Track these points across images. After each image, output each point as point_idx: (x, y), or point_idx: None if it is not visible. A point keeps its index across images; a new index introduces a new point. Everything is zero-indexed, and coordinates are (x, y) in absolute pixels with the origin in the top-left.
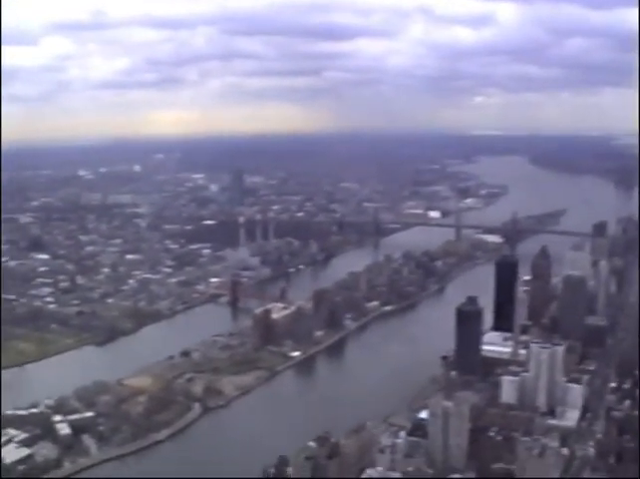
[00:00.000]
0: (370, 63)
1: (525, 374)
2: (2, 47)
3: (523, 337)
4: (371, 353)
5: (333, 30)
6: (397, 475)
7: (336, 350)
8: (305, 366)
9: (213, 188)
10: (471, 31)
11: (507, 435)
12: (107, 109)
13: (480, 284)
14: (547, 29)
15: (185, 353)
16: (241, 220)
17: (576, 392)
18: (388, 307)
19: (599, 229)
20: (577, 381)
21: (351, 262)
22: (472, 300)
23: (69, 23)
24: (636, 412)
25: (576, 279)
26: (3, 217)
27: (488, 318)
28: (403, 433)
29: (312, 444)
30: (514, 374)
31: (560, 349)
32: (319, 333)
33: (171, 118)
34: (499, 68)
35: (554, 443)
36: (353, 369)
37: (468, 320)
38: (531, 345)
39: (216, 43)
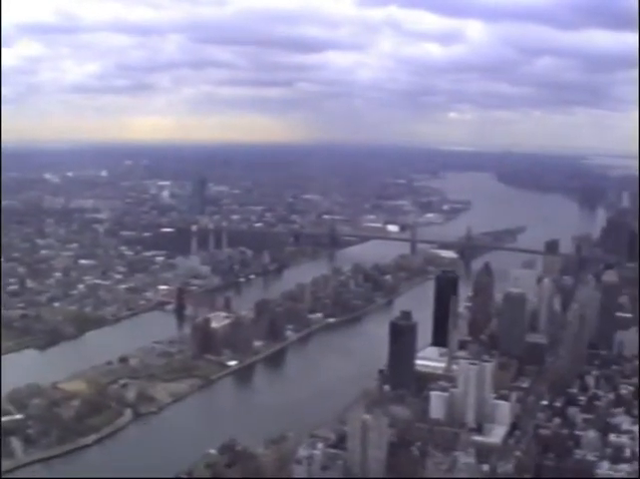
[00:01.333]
0: (340, 76)
1: (454, 390)
2: None
3: (461, 353)
4: (309, 365)
5: (303, 42)
6: None
7: (274, 361)
8: (241, 376)
9: (165, 195)
10: (440, 47)
11: (426, 450)
12: (78, 113)
13: (429, 299)
14: (516, 48)
15: (123, 359)
16: (194, 228)
17: (504, 409)
18: (331, 320)
19: (551, 246)
20: (506, 398)
21: (303, 274)
22: (406, 315)
23: (40, 26)
24: (564, 431)
25: (516, 296)
26: None
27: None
28: (321, 445)
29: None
30: (444, 390)
31: (489, 366)
32: (258, 343)
33: (143, 124)
34: (471, 85)
35: (469, 459)
36: (289, 380)
37: (401, 335)
38: (460, 361)
39: (187, 51)
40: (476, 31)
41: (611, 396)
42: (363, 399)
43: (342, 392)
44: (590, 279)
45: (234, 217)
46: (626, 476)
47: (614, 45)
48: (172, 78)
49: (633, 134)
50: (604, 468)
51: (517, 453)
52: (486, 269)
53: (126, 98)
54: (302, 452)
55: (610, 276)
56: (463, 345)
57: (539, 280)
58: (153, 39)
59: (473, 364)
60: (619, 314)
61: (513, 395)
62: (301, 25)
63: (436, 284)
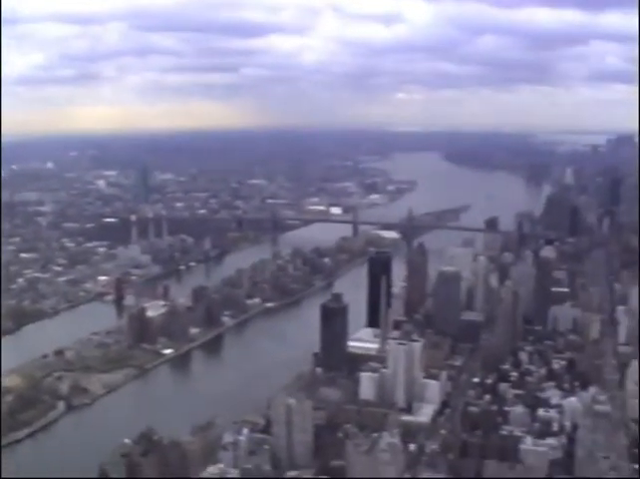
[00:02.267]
0: (285, 60)
1: (384, 371)
2: None
3: (396, 333)
4: (245, 350)
5: (245, 27)
6: (236, 473)
7: (210, 347)
8: (176, 364)
9: (102, 184)
10: (382, 28)
11: (353, 432)
12: (23, 104)
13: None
14: (458, 27)
15: (59, 352)
16: (134, 217)
17: (434, 388)
18: (269, 304)
19: (491, 224)
20: (436, 377)
21: (244, 259)
22: (336, 297)
23: None
24: (494, 407)
25: (450, 275)
26: None
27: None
28: (246, 430)
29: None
30: (374, 371)
31: (418, 346)
32: (195, 331)
33: (90, 114)
34: (417, 65)
35: (393, 439)
36: (224, 366)
37: (332, 317)
38: (390, 342)
39: (129, 39)
40: (417, 11)
41: (543, 371)
42: (296, 383)
43: (277, 377)
44: (528, 256)
45: (178, 204)
46: (550, 451)
47: (555, 23)
48: (117, 67)
49: (578, 109)
50: (528, 443)
51: (443, 431)
52: (420, 249)
53: (71, 88)
54: (227, 438)
55: (548, 252)
56: (397, 325)
57: (475, 258)
58: (94, 28)
59: (401, 344)
60: (556, 290)
61: (443, 374)
62: (243, 10)
63: (369, 266)
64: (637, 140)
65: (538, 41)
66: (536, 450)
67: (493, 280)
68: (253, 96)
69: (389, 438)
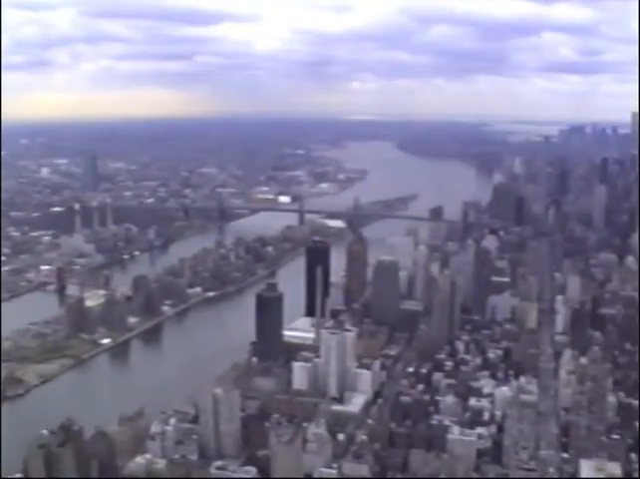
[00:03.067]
0: (239, 47)
1: (317, 360)
2: None
3: (333, 323)
4: (184, 340)
5: (198, 14)
6: (163, 463)
7: (149, 337)
8: (114, 353)
9: (50, 172)
10: (335, 17)
11: (277, 422)
12: None
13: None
14: (411, 16)
15: None
16: (77, 206)
17: (366, 378)
18: (211, 293)
19: (435, 213)
20: (368, 367)
21: (189, 248)
22: (271, 286)
23: None
24: (426, 397)
25: (388, 264)
26: None
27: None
28: (173, 420)
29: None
30: (308, 360)
31: (350, 335)
32: (134, 320)
33: (42, 101)
34: (370, 54)
35: (320, 429)
36: (161, 356)
37: (268, 307)
38: (322, 332)
39: (80, 25)
40: (370, 0)
41: (478, 361)
42: (231, 372)
43: (214, 366)
44: (470, 245)
45: (127, 193)
46: (477, 440)
47: (508, 13)
48: (70, 54)
49: (532, 100)
50: (456, 433)
51: (370, 421)
52: (359, 238)
53: (23, 75)
54: (155, 428)
55: (490, 242)
56: (335, 315)
57: (416, 247)
58: (44, 14)
59: (334, 334)
60: (496, 279)
61: (376, 363)
62: None
63: (306, 256)
64: (588, 130)
65: (491, 31)
66: (463, 440)
67: (434, 270)
68: (208, 84)
69: (315, 428)
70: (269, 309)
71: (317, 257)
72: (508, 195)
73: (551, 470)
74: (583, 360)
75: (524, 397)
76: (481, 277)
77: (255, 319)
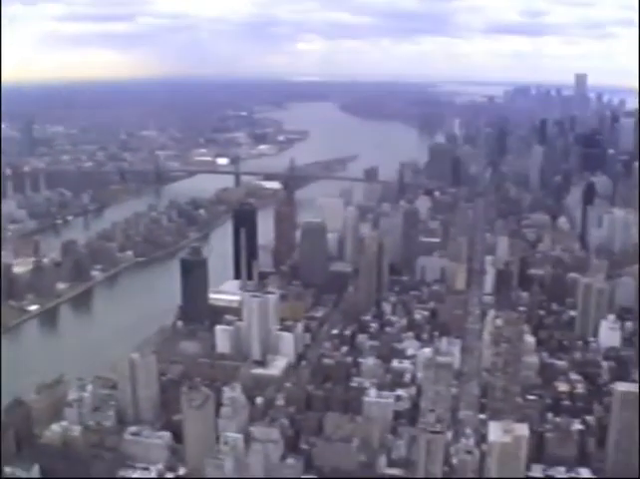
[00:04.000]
0: (180, 8)
1: (240, 323)
2: None
3: (261, 284)
4: (113, 305)
5: None
6: (79, 429)
7: (78, 303)
8: (42, 320)
9: None
10: None
11: (191, 386)
12: None
13: None
14: None
15: None
16: (9, 171)
17: (288, 340)
18: (142, 258)
19: (370, 174)
20: (291, 329)
21: (124, 212)
22: (195, 250)
23: None
24: (348, 359)
25: (315, 226)
26: None
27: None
28: (90, 386)
29: None
30: (230, 323)
31: (272, 298)
32: (63, 286)
33: None
34: (313, 15)
35: (235, 393)
36: (90, 322)
37: (192, 270)
38: (244, 294)
39: None
40: None
41: (404, 322)
42: (157, 336)
43: (141, 331)
44: (402, 206)
45: (65, 157)
46: (394, 402)
47: None
48: (6, 14)
49: (478, 60)
50: (372, 395)
51: (287, 385)
52: (287, 200)
53: None
54: (72, 395)
55: (422, 202)
56: (264, 277)
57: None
58: None
59: (255, 297)
60: (427, 240)
61: (299, 326)
62: None
63: (233, 219)
64: (532, 91)
65: None
66: (379, 402)
67: (366, 231)
68: (152, 45)
69: (230, 392)
70: (194, 273)
71: (244, 220)
72: (445, 155)
73: (468, 431)
74: (499, 322)
75: (440, 359)
76: (410, 238)
77: (180, 283)
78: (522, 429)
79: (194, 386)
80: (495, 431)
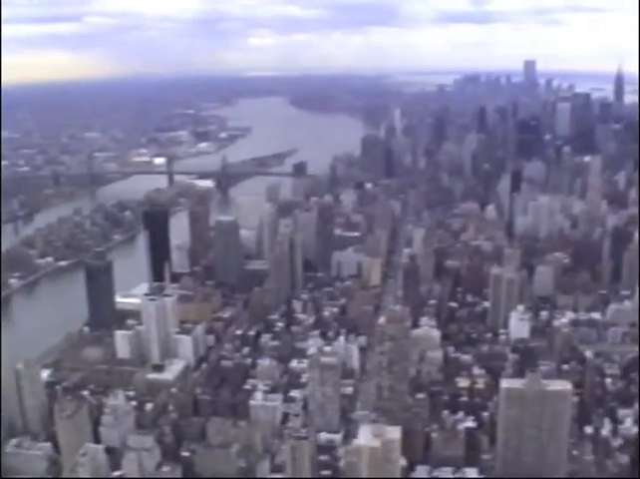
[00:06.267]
0: (127, 8)
1: (139, 328)
2: None
3: (174, 286)
4: (27, 313)
5: None
6: None
7: None
8: None
9: None
10: None
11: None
12: None
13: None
14: None
15: None
16: None
17: (187, 343)
18: (62, 263)
19: (299, 169)
20: (190, 332)
21: (55, 217)
22: (99, 255)
23: None
24: (248, 360)
25: (227, 224)
26: None
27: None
28: None
29: None
30: (132, 328)
31: (170, 300)
32: None
33: None
34: (262, 10)
35: (118, 401)
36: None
37: (97, 275)
38: (142, 298)
39: None
40: None
41: (312, 320)
42: (63, 343)
43: (48, 338)
44: (325, 201)
45: (4, 162)
46: (281, 405)
47: None
48: None
49: (429, 50)
50: (259, 398)
51: (174, 390)
52: (201, 199)
53: None
54: None
55: (347, 196)
56: (177, 278)
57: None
58: None
59: (152, 300)
60: (349, 234)
61: (199, 328)
62: None
63: (144, 220)
64: (482, 79)
65: None
66: (266, 405)
67: (287, 228)
68: (102, 45)
69: (113, 399)
70: (98, 278)
71: (154, 222)
72: (377, 147)
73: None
74: (381, 320)
75: (324, 359)
76: (325, 233)
77: (86, 289)
78: (394, 432)
79: (77, 395)
80: (365, 435)
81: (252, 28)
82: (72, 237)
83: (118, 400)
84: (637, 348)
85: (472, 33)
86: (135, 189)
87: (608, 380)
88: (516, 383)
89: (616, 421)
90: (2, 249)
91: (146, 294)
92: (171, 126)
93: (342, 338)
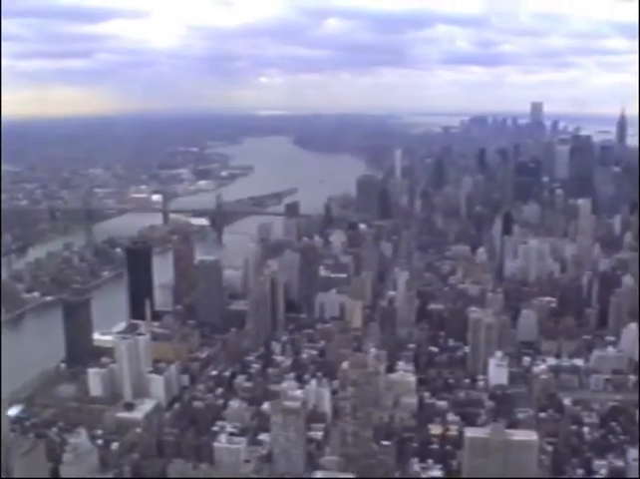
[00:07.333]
0: (137, 45)
1: (113, 366)
2: None
3: (155, 324)
4: (9, 346)
5: (84, 11)
6: None
7: None
8: None
9: None
10: (223, 12)
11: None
12: None
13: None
14: (300, 10)
15: None
16: None
17: (158, 383)
18: (48, 298)
19: (291, 208)
20: (162, 371)
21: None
22: (78, 291)
23: None
24: (219, 401)
25: (210, 264)
26: None
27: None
28: None
29: None
30: (106, 366)
31: (143, 339)
32: None
33: None
34: (269, 49)
35: (79, 439)
36: None
37: (74, 312)
38: (114, 336)
39: None
40: None
41: (289, 362)
42: (38, 379)
43: (25, 374)
44: (315, 241)
45: (4, 196)
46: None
47: (400, 6)
48: None
49: (439, 91)
50: (223, 440)
51: (138, 430)
52: (185, 237)
53: None
54: None
55: (337, 237)
56: (159, 317)
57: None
58: None
59: (124, 339)
60: (335, 276)
61: (172, 367)
62: None
63: (127, 257)
64: (489, 121)
65: (384, 24)
66: (230, 448)
67: (275, 268)
68: (113, 81)
69: (74, 438)
70: (76, 315)
71: (137, 259)
72: (373, 187)
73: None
74: (345, 365)
75: (287, 404)
76: (309, 274)
77: (63, 325)
78: None
79: (40, 432)
80: None
81: (260, 67)
82: (59, 272)
83: (80, 439)
84: (618, 397)
85: (481, 75)
86: (130, 225)
87: (586, 429)
88: (480, 432)
89: (590, 472)
90: None
91: (118, 333)
92: (174, 163)
93: (314, 382)
